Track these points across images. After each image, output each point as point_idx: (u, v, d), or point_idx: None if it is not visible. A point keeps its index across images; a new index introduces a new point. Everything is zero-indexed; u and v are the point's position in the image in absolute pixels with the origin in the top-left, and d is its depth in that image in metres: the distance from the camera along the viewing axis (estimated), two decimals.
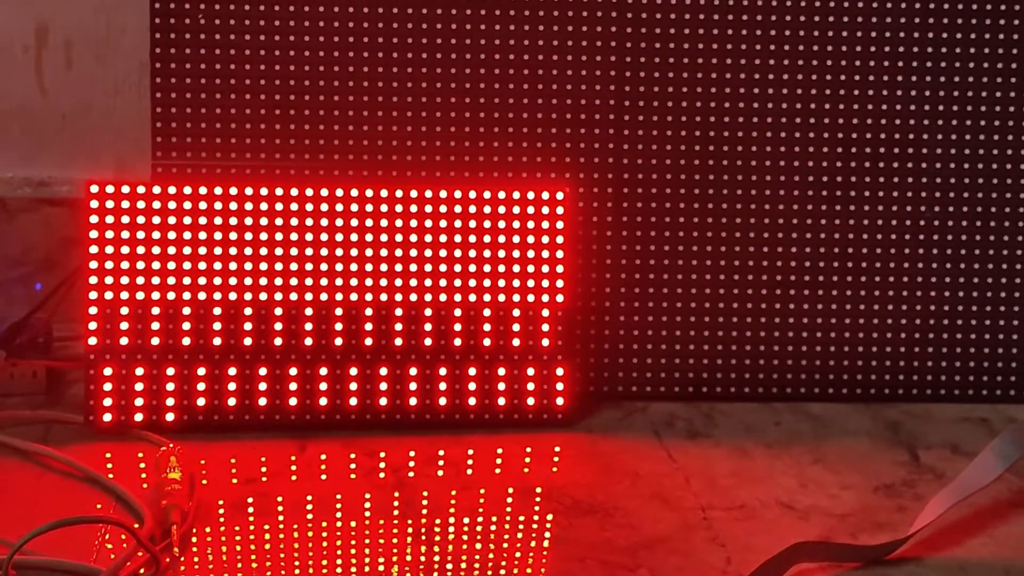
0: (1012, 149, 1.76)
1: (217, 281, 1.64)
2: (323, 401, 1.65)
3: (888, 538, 1.41)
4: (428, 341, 1.67)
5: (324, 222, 1.65)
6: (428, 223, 1.66)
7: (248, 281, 1.64)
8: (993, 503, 1.50)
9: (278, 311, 1.65)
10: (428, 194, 1.66)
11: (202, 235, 1.63)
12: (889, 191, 1.76)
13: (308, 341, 1.65)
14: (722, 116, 1.74)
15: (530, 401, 1.68)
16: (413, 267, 1.66)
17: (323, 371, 1.65)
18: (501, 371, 1.67)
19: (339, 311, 1.65)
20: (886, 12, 1.74)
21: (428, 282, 1.66)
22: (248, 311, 1.64)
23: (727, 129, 1.75)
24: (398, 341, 1.66)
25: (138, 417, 1.63)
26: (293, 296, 1.65)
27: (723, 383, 1.77)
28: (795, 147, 1.75)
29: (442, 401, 1.67)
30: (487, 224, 1.67)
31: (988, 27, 1.74)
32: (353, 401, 1.66)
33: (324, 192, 1.65)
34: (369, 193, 1.66)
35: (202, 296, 1.64)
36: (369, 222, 1.66)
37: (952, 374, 1.79)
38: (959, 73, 1.75)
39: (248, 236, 1.64)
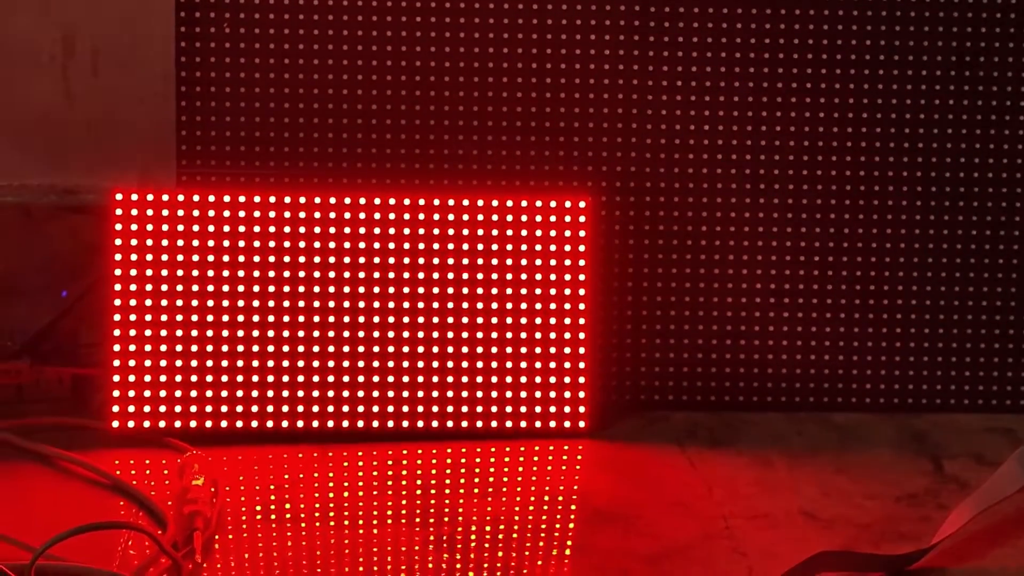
0: None
1: (241, 288, 1.64)
2: (346, 408, 1.66)
3: (911, 548, 1.40)
4: (450, 349, 1.67)
5: (347, 230, 1.66)
6: (451, 231, 1.67)
7: (272, 288, 1.65)
8: (1018, 512, 1.49)
9: (301, 319, 1.65)
10: (451, 202, 1.67)
11: (226, 243, 1.64)
12: (911, 201, 1.76)
13: (331, 348, 1.65)
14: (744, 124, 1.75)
15: (552, 409, 1.68)
16: (436, 275, 1.67)
17: (346, 379, 1.66)
18: (523, 379, 1.68)
19: (362, 319, 1.66)
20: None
21: (451, 290, 1.67)
22: (271, 318, 1.65)
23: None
24: (420, 349, 1.67)
25: (162, 424, 1.63)
26: (316, 304, 1.65)
27: (746, 392, 1.77)
28: (815, 155, 1.75)
29: (464, 409, 1.67)
30: (510, 232, 1.67)
31: None
32: (376, 409, 1.66)
33: (347, 200, 1.65)
34: (392, 201, 1.66)
35: (226, 303, 1.64)
36: (392, 230, 1.66)
37: (976, 384, 1.78)
38: None
39: (272, 244, 1.65)
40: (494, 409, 1.67)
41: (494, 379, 1.67)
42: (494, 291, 1.67)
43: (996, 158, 1.75)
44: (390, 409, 1.66)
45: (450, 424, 1.67)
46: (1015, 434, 1.71)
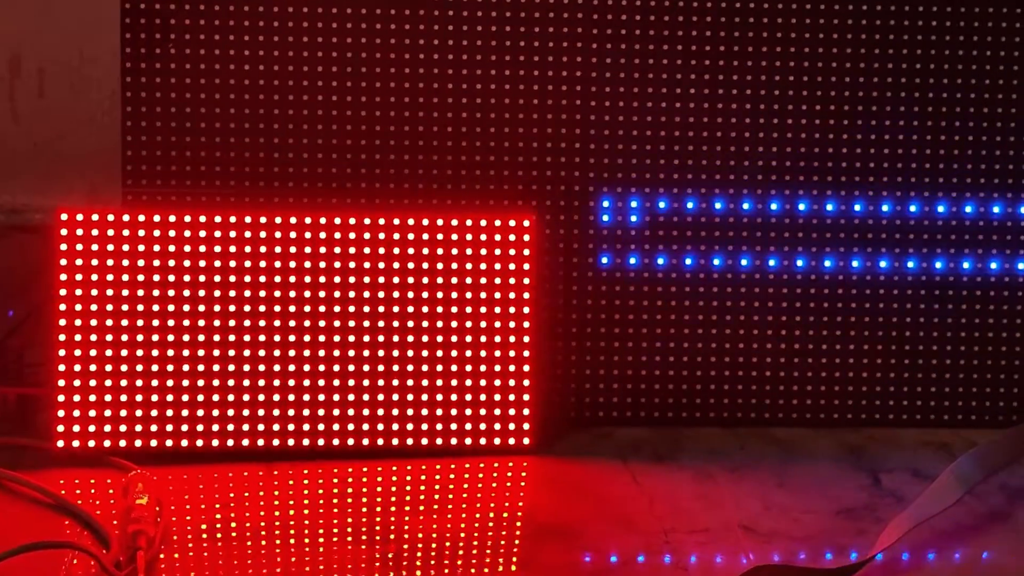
0: None
1: (186, 308, 1.65)
2: (291, 427, 1.66)
3: (848, 562, 1.42)
4: (395, 367, 1.68)
5: (293, 249, 1.67)
6: (396, 251, 1.68)
7: (217, 308, 1.66)
8: (953, 526, 1.52)
9: (247, 338, 1.66)
10: (396, 222, 1.68)
11: (171, 262, 1.65)
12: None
13: (277, 367, 1.66)
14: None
15: (497, 427, 1.69)
16: (381, 294, 1.68)
17: (291, 397, 1.66)
18: (468, 397, 1.69)
19: (307, 338, 1.67)
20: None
21: (396, 309, 1.68)
22: (217, 338, 1.66)
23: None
24: (366, 367, 1.68)
25: (107, 443, 1.64)
26: (262, 323, 1.66)
27: (689, 408, 1.79)
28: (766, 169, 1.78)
29: (409, 427, 1.68)
30: (455, 251, 1.69)
31: None
32: (321, 427, 1.67)
33: (293, 220, 1.66)
34: (338, 221, 1.67)
35: (171, 323, 1.65)
36: (337, 249, 1.67)
37: (914, 399, 1.81)
38: None
39: (217, 263, 1.66)
40: (439, 427, 1.69)
41: (439, 397, 1.69)
42: (439, 309, 1.69)
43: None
44: (335, 427, 1.67)
45: (395, 442, 1.68)
46: (951, 448, 1.73)
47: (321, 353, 1.67)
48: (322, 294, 1.67)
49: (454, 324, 1.69)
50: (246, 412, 1.66)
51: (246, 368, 1.66)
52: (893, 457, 1.71)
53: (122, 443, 1.64)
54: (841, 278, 1.79)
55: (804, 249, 1.78)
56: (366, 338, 1.68)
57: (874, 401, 1.80)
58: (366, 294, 1.68)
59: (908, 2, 1.76)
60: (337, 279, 1.67)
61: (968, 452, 1.62)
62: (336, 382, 1.67)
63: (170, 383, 1.65)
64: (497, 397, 1.69)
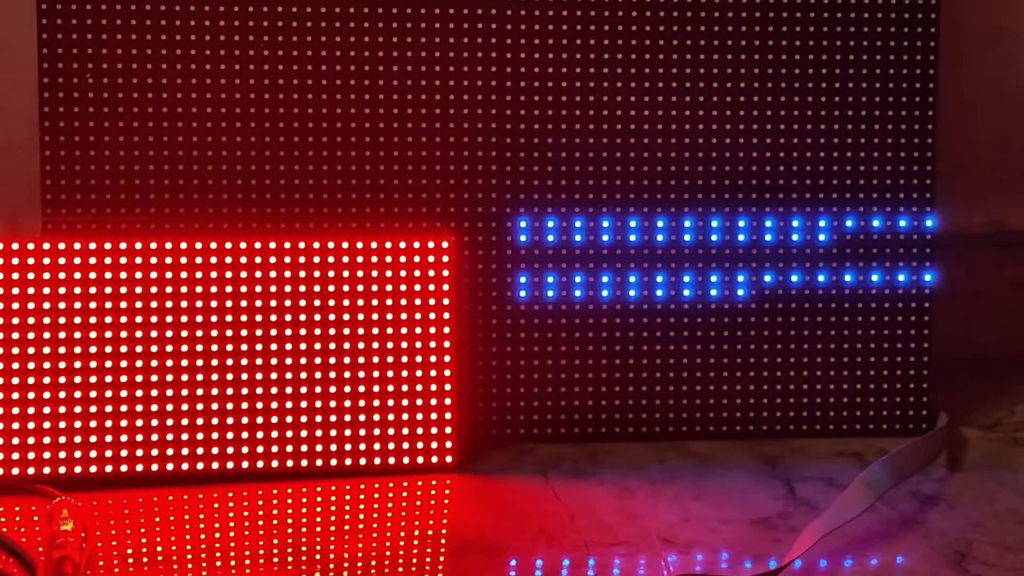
0: None
1: (108, 335, 1.66)
2: (215, 450, 1.68)
3: (763, 569, 1.45)
4: (318, 388, 1.70)
5: (213, 275, 1.68)
6: (316, 273, 1.70)
7: (139, 334, 1.67)
8: (865, 532, 1.55)
9: (169, 363, 1.67)
10: (316, 245, 1.70)
11: (92, 289, 1.66)
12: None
13: (199, 392, 1.67)
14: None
15: (420, 445, 1.71)
16: (303, 316, 1.70)
17: (214, 421, 1.68)
18: (391, 416, 1.71)
19: (230, 361, 1.68)
20: None
21: (317, 331, 1.70)
22: (139, 363, 1.67)
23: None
24: (288, 389, 1.69)
25: (30, 470, 1.64)
26: (184, 348, 1.67)
27: (608, 423, 1.82)
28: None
29: (333, 447, 1.70)
30: (375, 273, 1.71)
31: None
32: (245, 450, 1.68)
33: (213, 245, 1.68)
34: (258, 245, 1.69)
35: (93, 349, 1.66)
36: (258, 273, 1.69)
37: (827, 410, 1.85)
38: None
39: (138, 290, 1.67)
40: (362, 447, 1.70)
41: (361, 417, 1.70)
42: (360, 331, 1.71)
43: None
44: (259, 449, 1.69)
45: (319, 463, 1.70)
46: (863, 457, 1.77)
47: (244, 376, 1.68)
48: (243, 318, 1.69)
49: (375, 345, 1.71)
50: (169, 436, 1.67)
51: (169, 393, 1.67)
52: (806, 467, 1.74)
53: (46, 470, 1.65)
54: (753, 292, 1.83)
55: (717, 266, 1.82)
56: (288, 360, 1.69)
57: (788, 412, 1.84)
58: (287, 317, 1.69)
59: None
60: (258, 303, 1.69)
61: (879, 459, 1.66)
62: (259, 404, 1.69)
63: (93, 409, 1.65)
64: (419, 417, 1.71)
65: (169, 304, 1.67)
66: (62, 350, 1.65)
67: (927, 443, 1.76)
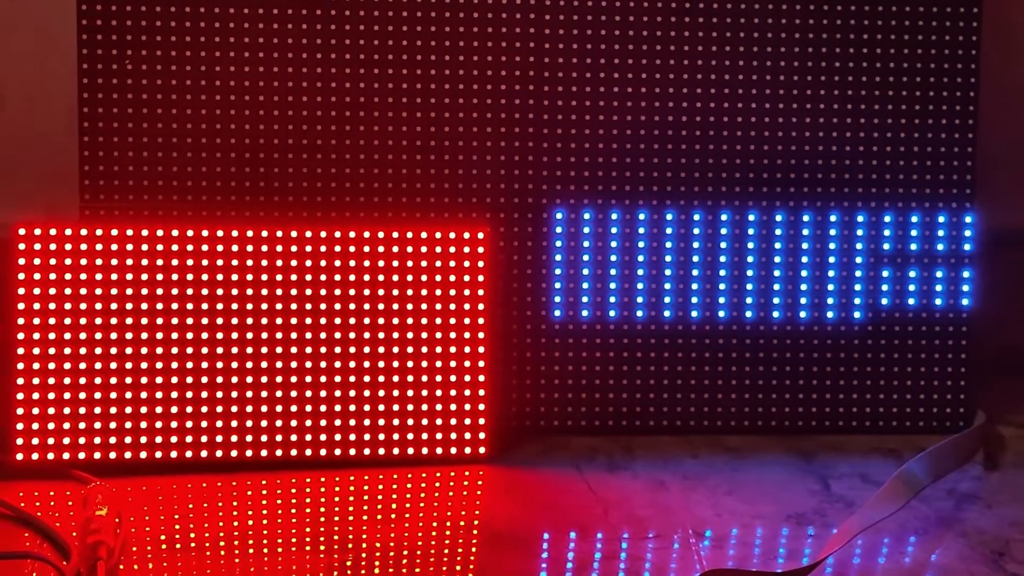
0: None
1: (144, 321, 1.66)
2: (249, 438, 1.68)
3: (798, 565, 1.45)
4: (352, 378, 1.70)
5: (249, 263, 1.68)
6: (352, 263, 1.70)
7: (175, 320, 1.67)
8: (900, 530, 1.54)
9: (205, 350, 1.67)
10: (353, 235, 1.70)
11: (129, 276, 1.66)
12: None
13: (234, 379, 1.68)
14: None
15: (453, 436, 1.71)
16: (338, 306, 1.70)
17: (249, 408, 1.68)
18: (424, 407, 1.71)
19: (264, 350, 1.68)
20: None
21: (352, 320, 1.70)
22: (175, 350, 1.67)
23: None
24: (323, 378, 1.69)
25: (66, 455, 1.65)
26: (219, 335, 1.68)
27: (642, 417, 1.82)
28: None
29: (366, 437, 1.70)
30: (410, 264, 1.71)
31: None
32: (279, 438, 1.69)
33: (250, 234, 1.68)
34: (295, 234, 1.69)
35: (129, 335, 1.66)
36: (294, 263, 1.69)
37: (863, 406, 1.84)
38: None
39: (174, 276, 1.67)
40: (396, 437, 1.70)
41: (395, 407, 1.71)
42: (395, 321, 1.71)
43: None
44: (293, 438, 1.69)
45: (352, 452, 1.70)
46: (899, 454, 1.76)
47: (278, 365, 1.69)
48: (279, 306, 1.69)
49: (410, 335, 1.71)
50: (204, 424, 1.67)
51: (204, 380, 1.67)
52: (842, 463, 1.74)
53: (82, 455, 1.65)
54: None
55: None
56: (323, 350, 1.69)
57: (824, 408, 1.83)
58: (323, 306, 1.69)
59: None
60: (294, 292, 1.69)
61: (915, 457, 1.65)
62: (294, 393, 1.69)
63: (128, 395, 1.66)
64: (453, 407, 1.71)
65: (205, 292, 1.67)
66: (98, 336, 1.66)
67: (964, 441, 1.75)
